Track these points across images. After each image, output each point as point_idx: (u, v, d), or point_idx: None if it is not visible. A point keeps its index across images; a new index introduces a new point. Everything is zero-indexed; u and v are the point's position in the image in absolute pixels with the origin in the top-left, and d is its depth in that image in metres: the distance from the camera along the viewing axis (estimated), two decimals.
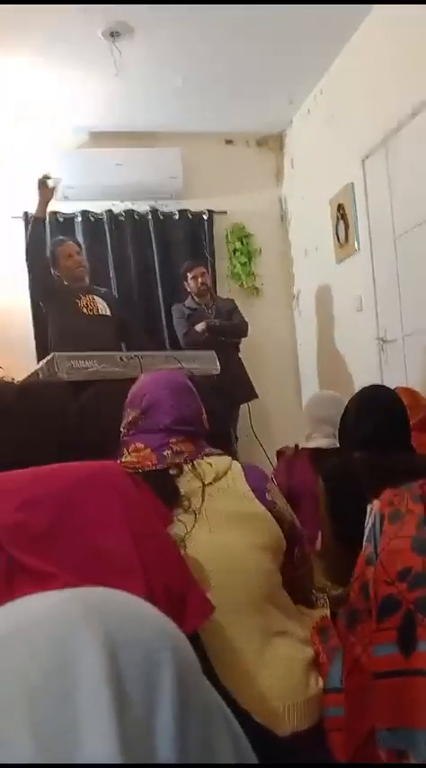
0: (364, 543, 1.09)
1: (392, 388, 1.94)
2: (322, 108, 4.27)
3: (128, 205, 4.65)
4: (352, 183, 3.89)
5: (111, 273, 4.53)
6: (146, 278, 4.61)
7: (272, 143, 5.01)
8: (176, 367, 2.55)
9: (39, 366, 2.95)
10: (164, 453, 1.26)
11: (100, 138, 4.56)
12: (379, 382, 3.21)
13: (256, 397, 4.12)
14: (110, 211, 4.57)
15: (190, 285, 4.14)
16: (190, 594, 0.96)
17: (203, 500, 1.20)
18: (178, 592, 0.94)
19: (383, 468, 1.50)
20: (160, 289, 4.58)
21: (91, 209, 4.55)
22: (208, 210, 4.73)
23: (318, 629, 1.21)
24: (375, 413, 1.71)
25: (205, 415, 1.40)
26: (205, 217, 4.73)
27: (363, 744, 0.93)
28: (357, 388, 1.95)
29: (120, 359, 2.69)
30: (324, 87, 4.20)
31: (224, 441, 1.98)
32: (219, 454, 1.32)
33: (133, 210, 4.63)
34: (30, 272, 3.76)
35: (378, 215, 3.69)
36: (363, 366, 3.93)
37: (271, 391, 4.56)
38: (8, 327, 4.11)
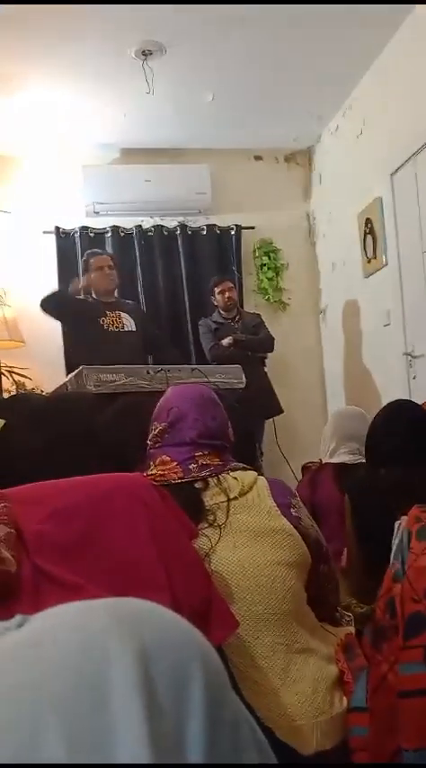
0: (391, 560, 1.08)
1: (419, 403, 1.92)
2: (351, 124, 4.28)
3: (158, 220, 4.71)
4: (381, 198, 3.88)
5: (140, 288, 4.58)
6: (173, 292, 4.65)
7: (301, 159, 5.03)
8: (202, 381, 2.57)
9: (67, 378, 2.99)
10: (190, 467, 1.27)
11: (130, 154, 4.63)
12: (407, 397, 3.18)
13: (281, 411, 4.11)
14: (139, 227, 4.63)
15: (217, 300, 4.17)
16: (215, 609, 0.96)
17: (228, 515, 1.20)
18: (202, 606, 0.94)
19: (410, 485, 1.48)
20: (187, 303, 4.61)
21: (121, 225, 4.61)
22: (236, 226, 4.76)
23: (343, 647, 1.19)
24: (402, 429, 1.70)
25: (231, 429, 1.41)
26: (233, 232, 4.76)
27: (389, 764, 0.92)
28: (384, 404, 1.94)
29: (147, 372, 2.72)
30: (353, 103, 4.22)
31: (249, 455, 1.98)
32: (245, 469, 1.32)
33: (162, 226, 4.69)
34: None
35: (406, 229, 3.67)
36: (390, 381, 3.89)
37: (297, 406, 4.54)
38: (38, 340, 4.18)
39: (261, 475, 1.33)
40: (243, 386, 2.97)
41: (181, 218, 4.73)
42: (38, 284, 4.40)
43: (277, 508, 1.24)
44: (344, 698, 1.11)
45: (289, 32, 3.44)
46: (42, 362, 4.17)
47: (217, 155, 4.71)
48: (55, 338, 4.28)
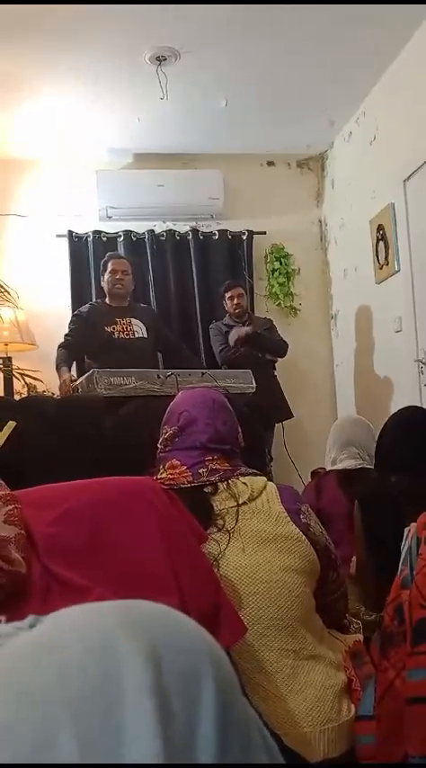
0: (400, 566, 1.08)
1: None
2: (364, 130, 4.28)
3: (170, 225, 4.72)
4: (393, 204, 3.88)
5: (151, 292, 4.59)
6: (185, 296, 4.66)
7: (313, 164, 5.03)
8: (212, 385, 2.57)
9: (79, 381, 3.01)
10: (200, 471, 1.27)
11: (143, 159, 4.66)
12: (418, 404, 3.16)
13: (291, 416, 4.09)
14: (151, 231, 4.65)
15: (227, 305, 4.17)
16: (223, 613, 0.96)
17: (237, 520, 1.20)
18: (211, 610, 0.94)
19: (420, 492, 1.47)
20: (198, 307, 4.61)
21: (133, 229, 4.63)
22: (248, 231, 4.76)
23: (351, 654, 1.19)
24: (413, 436, 1.69)
25: (241, 434, 1.41)
26: (244, 237, 4.77)
27: None
28: (394, 411, 1.93)
29: (157, 376, 2.72)
30: (367, 110, 4.22)
31: (258, 460, 1.98)
32: (254, 474, 1.32)
33: (174, 230, 4.70)
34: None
35: (419, 235, 3.66)
36: (402, 388, 3.88)
37: (308, 412, 4.53)
38: (50, 343, 4.19)
39: (271, 480, 1.33)
40: (253, 390, 2.97)
41: (193, 223, 4.74)
42: (50, 288, 4.43)
43: (286, 514, 1.23)
44: (352, 706, 1.10)
45: (303, 39, 3.45)
46: (54, 365, 4.19)
47: (230, 160, 4.72)
48: None
